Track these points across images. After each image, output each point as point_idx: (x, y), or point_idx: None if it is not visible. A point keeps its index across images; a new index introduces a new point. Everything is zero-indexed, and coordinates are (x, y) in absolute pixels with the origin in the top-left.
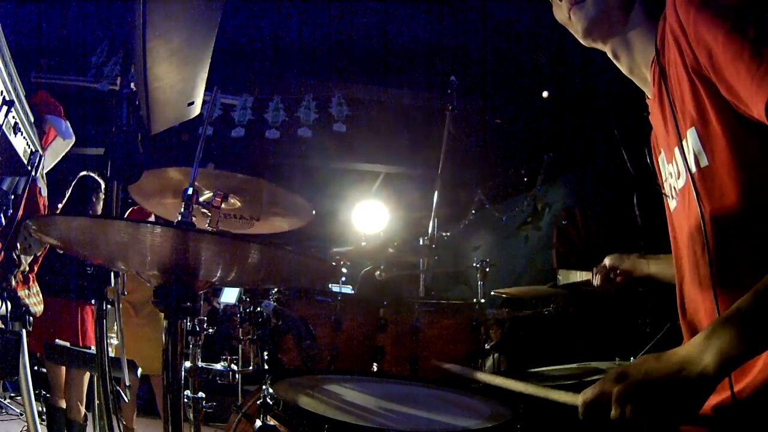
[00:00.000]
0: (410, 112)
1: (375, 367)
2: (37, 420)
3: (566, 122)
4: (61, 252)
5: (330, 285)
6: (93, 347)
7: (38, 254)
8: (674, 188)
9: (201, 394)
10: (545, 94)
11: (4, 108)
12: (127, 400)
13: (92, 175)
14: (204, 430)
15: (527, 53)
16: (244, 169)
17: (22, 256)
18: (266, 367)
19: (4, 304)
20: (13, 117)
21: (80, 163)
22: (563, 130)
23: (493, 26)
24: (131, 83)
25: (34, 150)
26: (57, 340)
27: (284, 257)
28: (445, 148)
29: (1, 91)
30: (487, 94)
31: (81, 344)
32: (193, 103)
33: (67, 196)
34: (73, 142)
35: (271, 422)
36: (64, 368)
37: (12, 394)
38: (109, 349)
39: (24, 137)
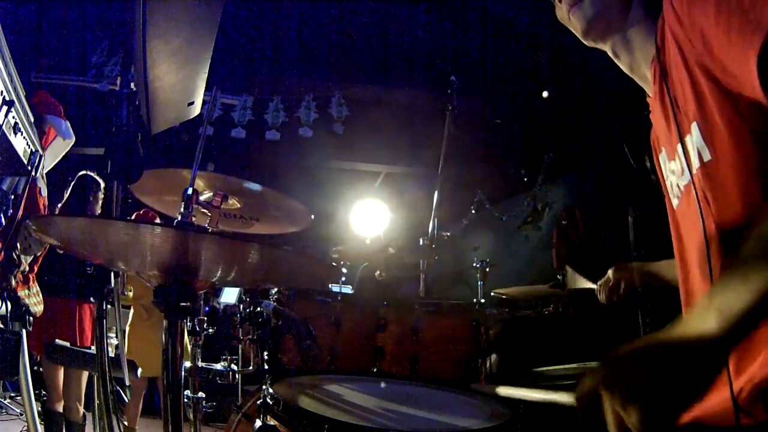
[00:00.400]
0: (410, 112)
1: (375, 367)
2: (37, 420)
3: (566, 122)
4: (61, 252)
5: (330, 285)
6: (92, 347)
7: (38, 254)
8: (677, 185)
9: (201, 394)
10: (545, 94)
11: (4, 108)
12: (127, 401)
13: (92, 174)
14: (204, 430)
15: (527, 53)
16: (244, 169)
17: (22, 256)
18: (266, 367)
19: (4, 304)
20: (13, 117)
21: (80, 163)
22: (563, 130)
23: (493, 26)
24: (131, 83)
25: (34, 150)
26: (57, 340)
27: (284, 257)
28: (445, 148)
29: (1, 91)
30: (487, 94)
31: (79, 344)
32: (193, 103)
33: (66, 195)
34: (73, 142)
35: (271, 422)
36: (61, 370)
37: (12, 394)
38: (109, 348)
39: (24, 137)
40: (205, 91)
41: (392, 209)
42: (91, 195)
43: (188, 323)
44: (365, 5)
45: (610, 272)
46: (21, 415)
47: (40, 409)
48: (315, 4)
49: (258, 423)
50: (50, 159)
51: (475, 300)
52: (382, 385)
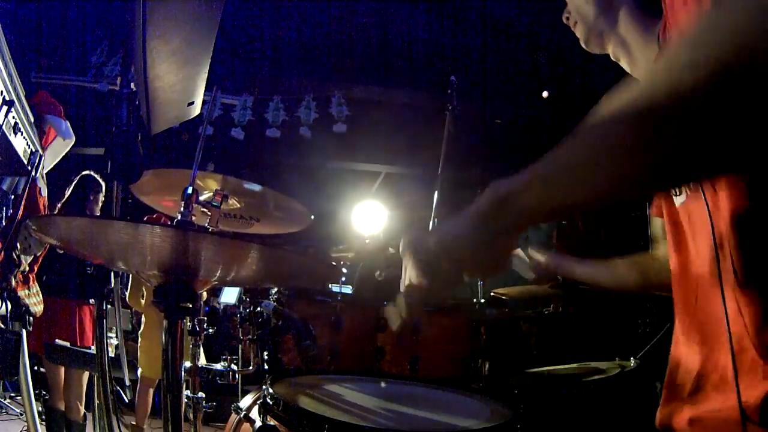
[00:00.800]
0: (410, 112)
1: (375, 367)
2: (37, 420)
3: (566, 122)
4: (61, 252)
5: (330, 285)
6: (92, 347)
7: (38, 254)
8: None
9: (201, 394)
10: (545, 94)
11: (4, 108)
12: (127, 401)
13: (93, 175)
14: (204, 430)
15: (527, 53)
16: (244, 169)
17: (22, 256)
18: (266, 367)
19: (4, 304)
20: (13, 117)
21: (80, 163)
22: (563, 130)
23: (493, 26)
24: (131, 83)
25: (34, 150)
26: (57, 340)
27: (284, 257)
28: (445, 148)
29: (1, 91)
30: (487, 94)
31: (79, 344)
32: (193, 103)
33: (66, 195)
34: (73, 142)
35: (271, 422)
36: (63, 368)
37: (12, 394)
38: (109, 348)
39: (24, 137)
40: (205, 91)
41: (392, 209)
42: (91, 195)
43: (188, 323)
44: (365, 5)
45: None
46: (21, 415)
47: (40, 408)
48: (315, 4)
49: (258, 423)
50: (50, 159)
51: (475, 300)
52: (382, 385)
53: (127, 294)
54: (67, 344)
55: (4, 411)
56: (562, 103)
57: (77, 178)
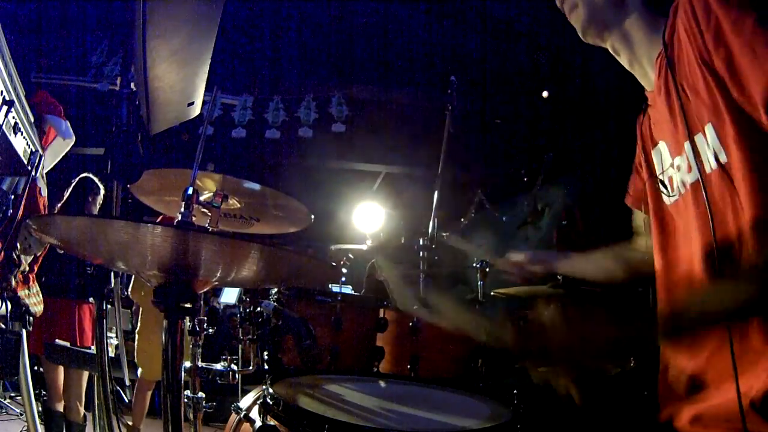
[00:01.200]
0: (410, 112)
1: (375, 367)
2: (37, 420)
3: (566, 122)
4: (61, 252)
5: (330, 285)
6: (92, 347)
7: (38, 254)
8: (681, 181)
9: (201, 394)
10: (545, 94)
11: (4, 108)
12: (127, 400)
13: (92, 177)
14: (204, 430)
15: (527, 53)
16: (244, 169)
17: (22, 256)
18: (266, 367)
19: (4, 304)
20: (13, 117)
21: (80, 163)
22: (563, 130)
23: (493, 26)
24: (131, 83)
25: (34, 150)
26: (57, 341)
27: (284, 257)
28: (445, 148)
29: (1, 91)
30: (487, 94)
31: (79, 344)
32: (193, 103)
33: (65, 197)
34: (73, 142)
35: (271, 422)
36: (62, 369)
37: (12, 394)
38: (109, 348)
39: (24, 137)
40: (205, 91)
41: (392, 209)
42: (90, 197)
43: (188, 323)
44: (365, 5)
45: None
46: (21, 415)
47: (40, 409)
48: (315, 4)
49: (258, 423)
50: (50, 159)
51: (475, 300)
52: (382, 385)
53: (130, 288)
54: (67, 344)
55: (4, 411)
56: (562, 103)
57: (76, 180)
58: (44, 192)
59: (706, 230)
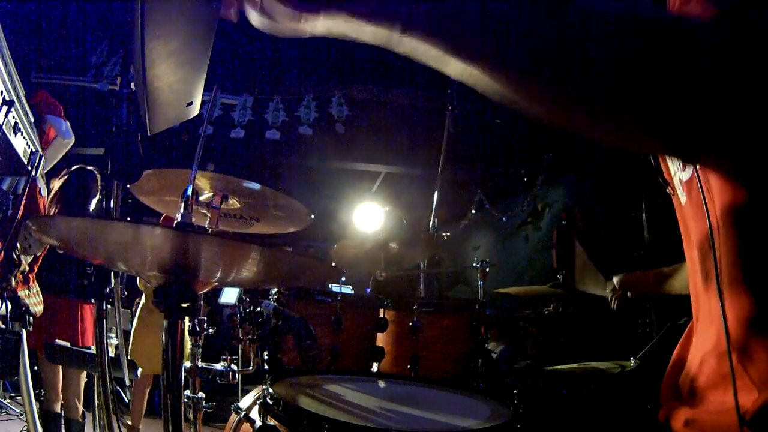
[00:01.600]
0: (410, 112)
1: (375, 367)
2: (37, 420)
3: None
4: (61, 252)
5: (330, 285)
6: (92, 347)
7: (38, 254)
8: (680, 181)
9: (201, 394)
10: None
11: (4, 108)
12: (127, 400)
13: (88, 168)
14: (204, 430)
15: None
16: (244, 169)
17: (22, 256)
18: (266, 367)
19: (4, 304)
20: (13, 117)
21: (80, 163)
22: (563, 130)
23: None
24: (131, 83)
25: (34, 150)
26: (57, 341)
27: (284, 257)
28: (445, 148)
29: (1, 91)
30: None
31: (80, 344)
32: (192, 103)
33: (55, 189)
34: (72, 142)
35: (271, 422)
36: (60, 369)
37: (12, 394)
38: (109, 348)
39: (24, 137)
40: (204, 91)
41: (392, 209)
42: (88, 187)
43: (188, 323)
44: None
45: (616, 281)
46: (21, 415)
47: (39, 409)
48: None
49: (258, 423)
50: (50, 159)
51: (475, 300)
52: (382, 385)
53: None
54: (67, 344)
55: (4, 411)
56: None
57: (70, 170)
58: (44, 192)
59: (702, 226)
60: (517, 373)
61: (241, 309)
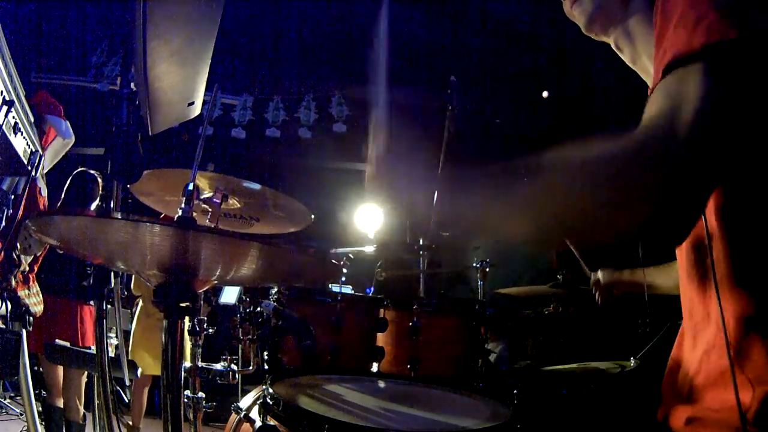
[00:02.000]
0: (410, 112)
1: (375, 367)
2: (37, 420)
3: (566, 122)
4: (61, 252)
5: (330, 285)
6: (92, 347)
7: (38, 254)
8: None
9: (201, 394)
10: (545, 94)
11: (4, 108)
12: (127, 400)
13: (90, 171)
14: (204, 430)
15: (527, 53)
16: (244, 169)
17: (22, 256)
18: (266, 367)
19: (4, 304)
20: (13, 117)
21: (80, 164)
22: (563, 130)
23: (493, 26)
24: (131, 83)
25: (34, 150)
26: (57, 341)
27: (284, 256)
28: (445, 148)
29: (1, 91)
30: (487, 94)
31: (80, 344)
32: (193, 103)
33: (64, 192)
34: (72, 142)
35: (271, 422)
36: (61, 368)
37: (12, 394)
38: (109, 348)
39: (24, 137)
40: (205, 91)
41: (392, 209)
42: (89, 189)
43: (188, 323)
44: (365, 5)
45: (599, 275)
46: (21, 415)
47: (40, 408)
48: (315, 4)
49: (258, 423)
50: (50, 159)
51: (475, 300)
52: (382, 385)
53: (132, 281)
54: (67, 344)
55: (4, 411)
56: (562, 103)
57: (72, 175)
58: (44, 192)
59: (694, 231)
60: (517, 373)
61: (241, 309)
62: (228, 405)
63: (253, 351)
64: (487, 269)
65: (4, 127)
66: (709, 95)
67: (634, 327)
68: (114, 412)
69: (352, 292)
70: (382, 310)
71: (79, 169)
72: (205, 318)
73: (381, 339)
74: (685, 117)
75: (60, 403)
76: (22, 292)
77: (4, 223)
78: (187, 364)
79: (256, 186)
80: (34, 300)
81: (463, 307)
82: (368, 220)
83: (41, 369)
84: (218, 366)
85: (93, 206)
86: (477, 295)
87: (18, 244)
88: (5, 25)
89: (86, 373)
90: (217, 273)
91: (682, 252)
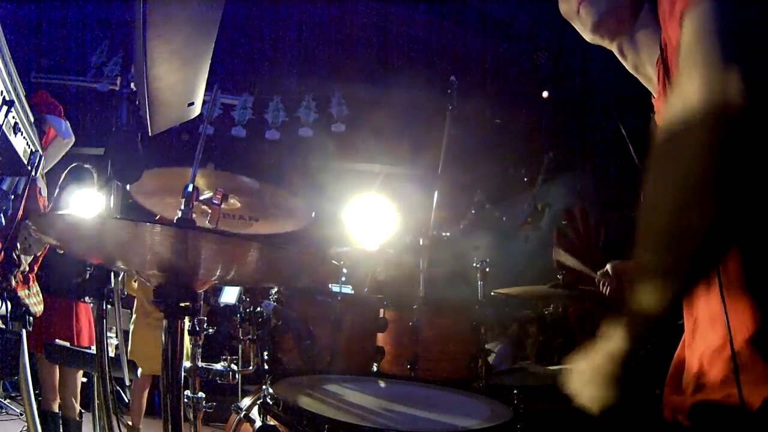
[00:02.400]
0: (410, 112)
1: (375, 367)
2: (37, 420)
3: (566, 122)
4: (61, 252)
5: (330, 285)
6: (90, 347)
7: (38, 254)
8: None
9: (201, 394)
10: (545, 94)
11: (4, 108)
12: (127, 400)
13: (85, 166)
14: (204, 430)
15: (527, 53)
16: (244, 170)
17: (22, 256)
18: (266, 367)
19: (4, 304)
20: (13, 117)
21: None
22: (563, 130)
23: (493, 26)
24: (131, 83)
25: (34, 150)
26: (57, 340)
27: (284, 257)
28: (445, 148)
29: (1, 91)
30: (487, 94)
31: (76, 343)
32: (193, 103)
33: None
34: (72, 142)
35: (271, 422)
36: (56, 369)
37: (12, 394)
38: (109, 348)
39: (24, 137)
40: (205, 91)
41: (392, 209)
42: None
43: (188, 323)
44: (365, 5)
45: (609, 268)
46: (21, 415)
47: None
48: (315, 4)
49: (258, 423)
50: (50, 159)
51: (475, 300)
52: (382, 385)
53: (125, 283)
54: (67, 344)
55: (4, 411)
56: (562, 103)
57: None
58: (44, 192)
59: None
60: (516, 373)
61: (241, 309)
62: (228, 405)
63: (253, 351)
64: (487, 269)
65: (4, 127)
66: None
67: None
68: (114, 412)
69: (352, 292)
70: (382, 310)
71: (74, 164)
72: (205, 318)
73: (381, 339)
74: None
75: (56, 407)
76: (22, 292)
77: (4, 223)
78: (187, 364)
79: (255, 184)
80: (34, 300)
81: (463, 307)
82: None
83: (36, 370)
84: (218, 366)
85: (88, 202)
86: (477, 295)
87: (18, 244)
88: (5, 25)
89: (82, 372)
90: (217, 273)
91: None
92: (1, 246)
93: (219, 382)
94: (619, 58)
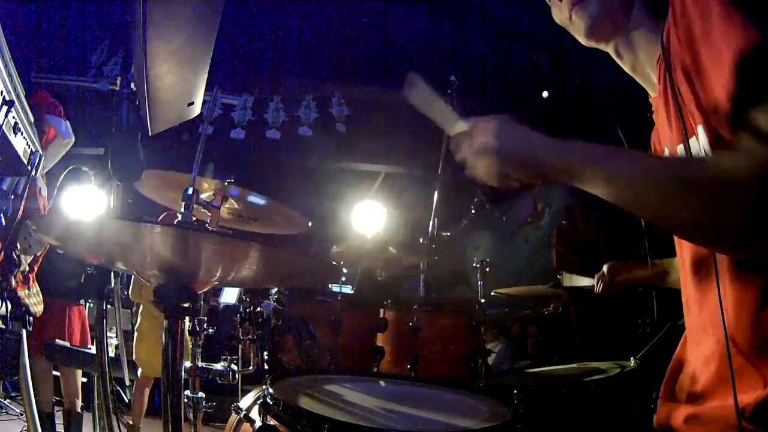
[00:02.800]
0: (410, 112)
1: (375, 368)
2: (37, 420)
3: (566, 122)
4: (61, 252)
5: (330, 285)
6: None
7: (38, 254)
8: None
9: (201, 394)
10: (545, 94)
11: (4, 108)
12: (127, 400)
13: (83, 169)
14: (204, 430)
15: (527, 53)
16: (244, 170)
17: (22, 256)
18: (266, 367)
19: (4, 304)
20: (13, 117)
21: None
22: (563, 130)
23: (493, 26)
24: (131, 83)
25: (34, 150)
26: (57, 341)
27: (284, 257)
28: (445, 148)
29: (1, 91)
30: (487, 94)
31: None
32: (193, 103)
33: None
34: (72, 142)
35: (271, 422)
36: (51, 370)
37: (12, 394)
38: (109, 348)
39: (24, 137)
40: (205, 91)
41: (392, 209)
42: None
43: (188, 323)
44: (365, 5)
45: (605, 268)
46: (21, 415)
47: (40, 410)
48: (315, 4)
49: (258, 423)
50: (50, 159)
51: (475, 300)
52: (382, 385)
53: (130, 289)
54: (67, 344)
55: (4, 411)
56: (562, 103)
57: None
58: (44, 192)
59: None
60: (517, 373)
61: (241, 309)
62: (228, 405)
63: (253, 351)
64: (487, 269)
65: (4, 127)
66: None
67: (634, 327)
68: (114, 412)
69: (352, 292)
70: (382, 310)
71: (72, 166)
72: (205, 318)
73: (381, 339)
74: None
75: (48, 407)
76: (22, 292)
77: (4, 223)
78: (187, 364)
79: (262, 200)
80: (34, 300)
81: (463, 307)
82: (366, 219)
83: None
84: (218, 366)
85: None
86: (477, 295)
87: (18, 244)
88: (5, 25)
89: (81, 371)
90: (218, 274)
91: (684, 252)
92: (1, 246)
93: (219, 382)
94: (616, 60)
